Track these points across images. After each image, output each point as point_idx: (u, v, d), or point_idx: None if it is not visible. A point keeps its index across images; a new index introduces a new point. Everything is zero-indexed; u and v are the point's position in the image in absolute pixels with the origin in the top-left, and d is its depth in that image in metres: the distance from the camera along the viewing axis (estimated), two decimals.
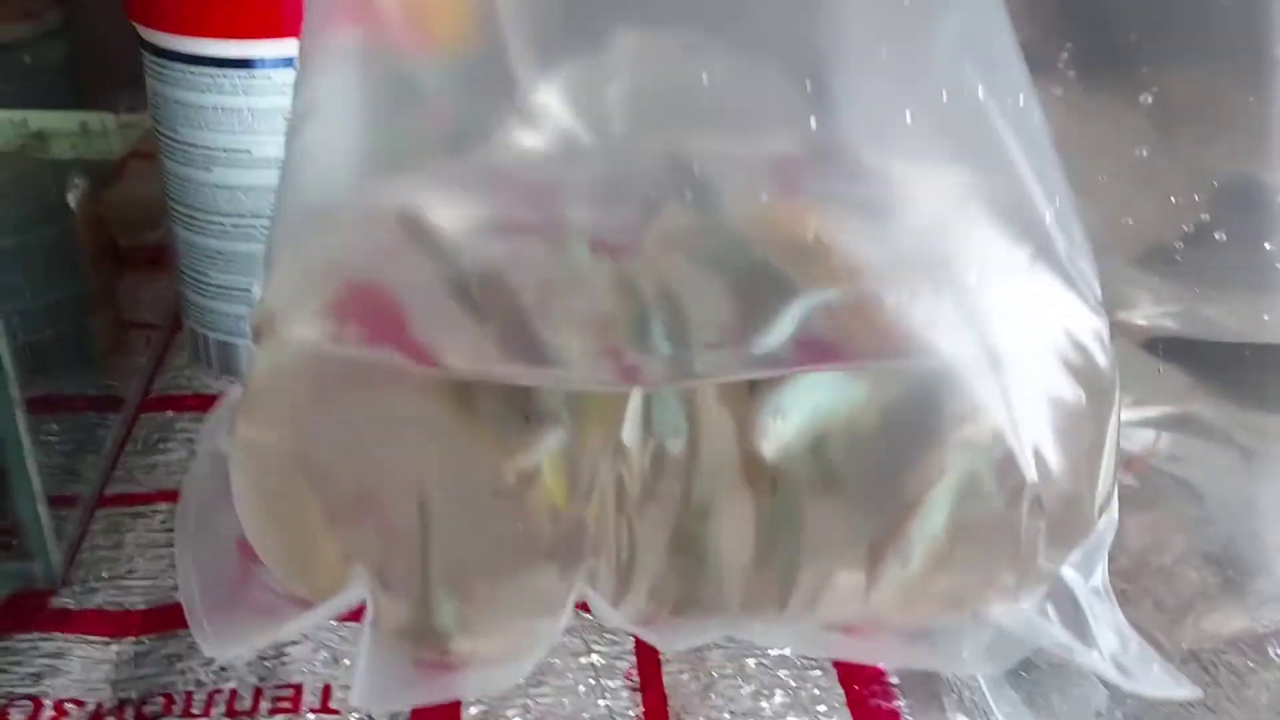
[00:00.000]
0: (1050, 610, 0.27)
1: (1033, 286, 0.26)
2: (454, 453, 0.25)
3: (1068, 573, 0.27)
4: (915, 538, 0.25)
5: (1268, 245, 0.33)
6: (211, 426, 0.29)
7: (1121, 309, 0.37)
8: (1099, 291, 0.28)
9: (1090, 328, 0.27)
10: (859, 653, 0.29)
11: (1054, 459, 0.26)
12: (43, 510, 0.32)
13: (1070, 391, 0.26)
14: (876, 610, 0.26)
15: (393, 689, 0.25)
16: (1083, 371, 0.27)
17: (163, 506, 0.36)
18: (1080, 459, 0.26)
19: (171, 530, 0.35)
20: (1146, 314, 0.38)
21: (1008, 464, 0.25)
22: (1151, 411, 0.39)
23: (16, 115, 0.38)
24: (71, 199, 0.41)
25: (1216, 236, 0.33)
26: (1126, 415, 0.39)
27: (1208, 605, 0.35)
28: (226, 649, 0.26)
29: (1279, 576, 0.35)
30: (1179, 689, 0.27)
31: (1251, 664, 0.34)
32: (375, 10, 0.28)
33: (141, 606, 0.33)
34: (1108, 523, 0.28)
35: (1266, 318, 0.34)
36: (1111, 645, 0.27)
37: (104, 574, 0.34)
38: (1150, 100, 0.35)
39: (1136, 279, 0.37)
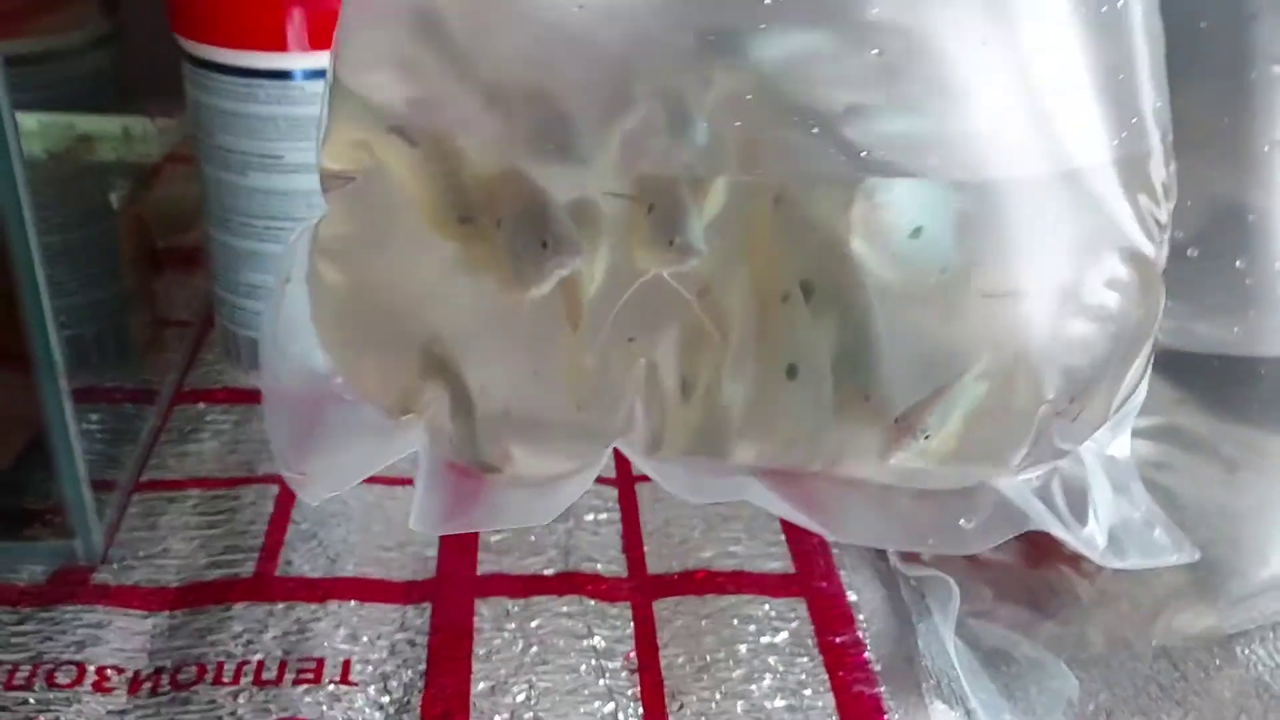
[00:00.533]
0: (1056, 485, 0.28)
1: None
2: (481, 294, 0.27)
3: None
4: (938, 417, 0.26)
5: (1238, 263, 0.34)
6: (288, 257, 0.30)
7: None
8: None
9: (1148, 226, 0.27)
10: (874, 519, 0.28)
11: (1080, 374, 0.26)
12: (85, 492, 0.34)
13: (1113, 304, 0.27)
14: (889, 472, 0.27)
15: (444, 514, 0.28)
16: (1133, 279, 0.27)
17: (194, 492, 0.38)
18: (1109, 374, 0.27)
19: (202, 514, 0.38)
20: None
21: (1030, 379, 0.26)
22: (1141, 422, 0.40)
23: (64, 119, 0.40)
24: (114, 199, 0.43)
25: (1189, 253, 0.35)
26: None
27: (1180, 605, 0.37)
28: (314, 488, 0.28)
29: (1250, 580, 0.37)
30: (1174, 554, 0.29)
31: (1218, 661, 0.36)
32: None
33: (175, 583, 0.35)
34: (1131, 405, 0.29)
35: (1236, 330, 0.36)
36: (1113, 515, 0.28)
37: (140, 553, 0.36)
38: None
39: None
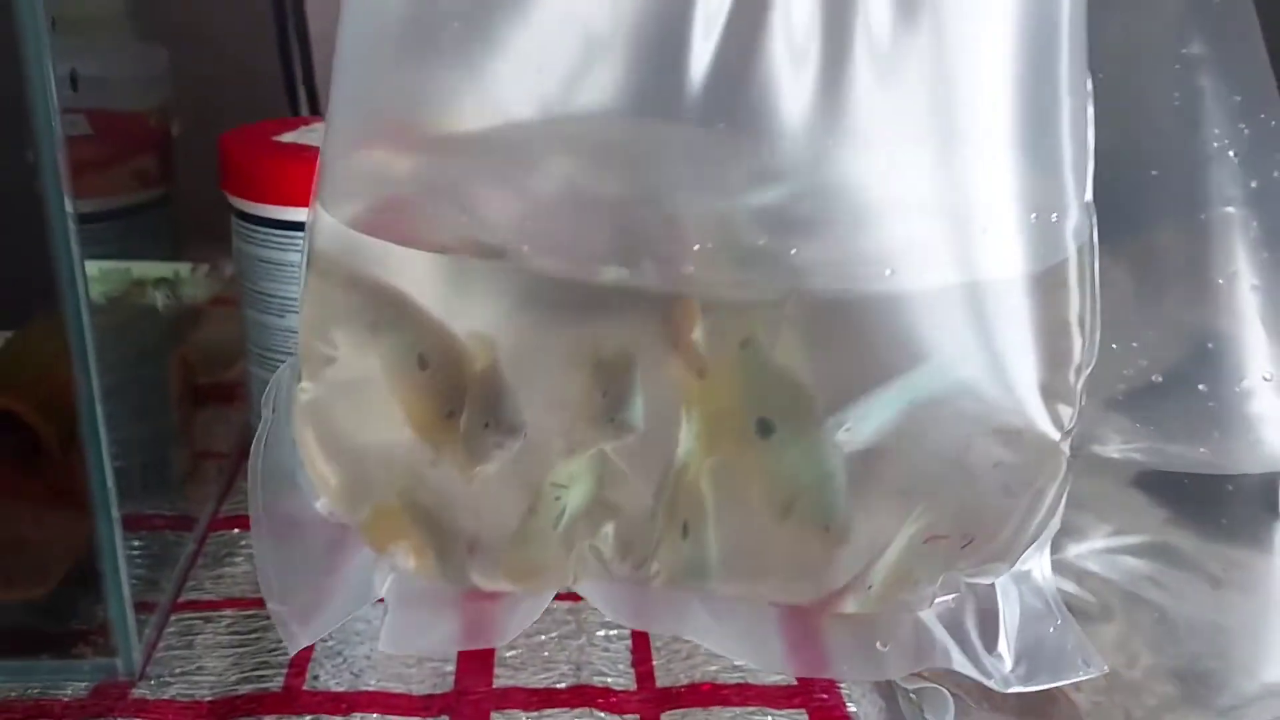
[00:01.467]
0: (970, 609, 0.30)
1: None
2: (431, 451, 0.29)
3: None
4: (877, 573, 0.29)
5: (1200, 387, 0.37)
6: (273, 389, 0.32)
7: (1096, 444, 0.41)
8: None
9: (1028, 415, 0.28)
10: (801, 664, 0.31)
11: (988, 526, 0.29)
12: (129, 614, 0.37)
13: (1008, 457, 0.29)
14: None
15: (411, 632, 0.30)
16: (1022, 446, 0.29)
17: (228, 612, 0.41)
18: (1012, 527, 0.30)
19: (235, 632, 0.40)
20: (1119, 449, 0.41)
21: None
22: (1132, 539, 0.42)
23: (122, 265, 0.44)
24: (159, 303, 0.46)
25: (1154, 379, 0.37)
26: (1110, 543, 0.43)
27: (1172, 716, 0.38)
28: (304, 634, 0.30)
29: (1238, 692, 0.38)
30: (1084, 671, 0.30)
31: None
32: None
33: (208, 698, 0.37)
34: (1049, 531, 0.31)
35: (1203, 450, 0.38)
36: (1027, 636, 0.30)
37: (176, 669, 0.38)
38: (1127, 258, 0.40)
39: (1108, 419, 0.41)
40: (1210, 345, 0.37)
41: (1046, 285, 0.28)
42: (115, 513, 0.36)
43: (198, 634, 0.40)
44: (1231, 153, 0.37)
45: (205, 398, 0.52)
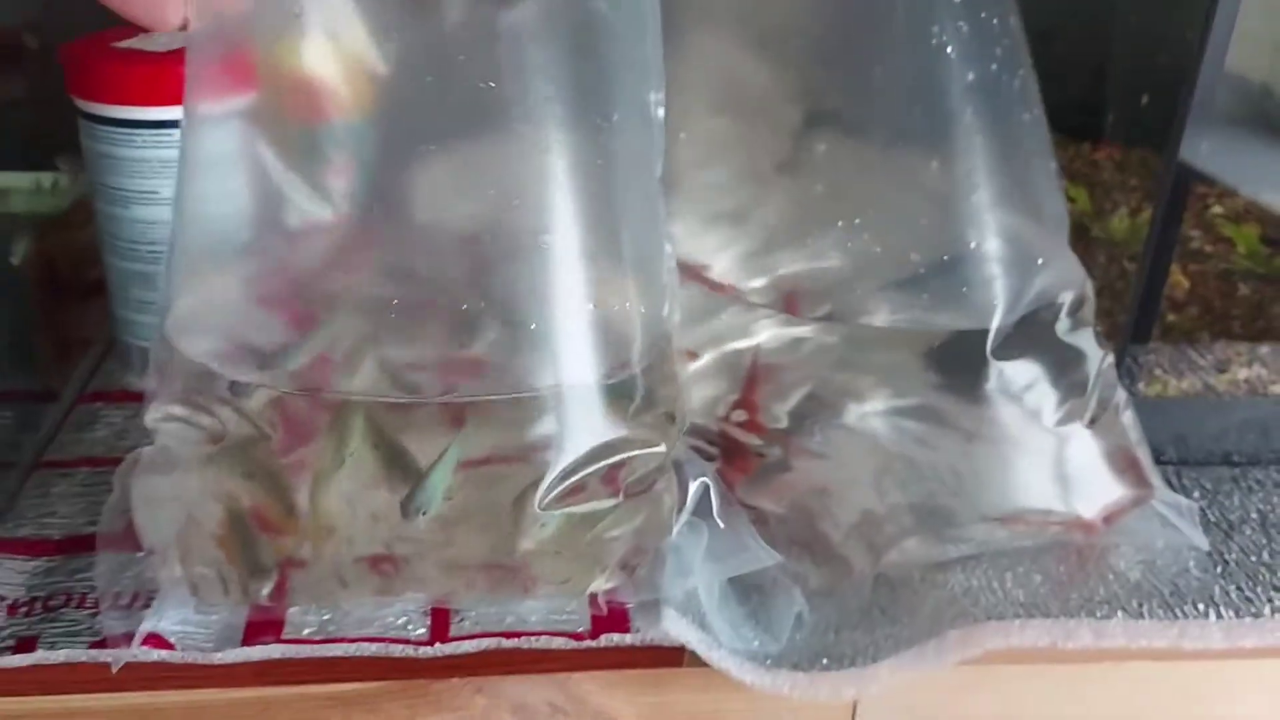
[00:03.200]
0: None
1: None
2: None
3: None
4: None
5: (914, 257, 0.42)
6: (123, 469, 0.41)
7: (866, 316, 0.47)
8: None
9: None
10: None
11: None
12: None
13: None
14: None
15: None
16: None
17: (84, 470, 0.46)
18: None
19: (86, 485, 0.45)
20: (886, 319, 0.47)
21: None
22: (906, 401, 0.48)
23: None
24: (15, 257, 0.51)
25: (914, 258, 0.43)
26: (888, 404, 0.49)
27: (903, 541, 0.44)
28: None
29: (961, 521, 0.44)
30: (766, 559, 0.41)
31: (925, 585, 0.43)
32: (264, 79, 0.38)
33: (58, 536, 0.42)
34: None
35: (915, 311, 0.44)
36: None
37: (30, 515, 0.43)
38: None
39: (878, 296, 0.47)
40: (923, 221, 0.43)
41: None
42: None
43: (54, 487, 0.45)
44: (949, 49, 0.42)
45: (72, 291, 0.57)
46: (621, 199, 0.40)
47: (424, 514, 0.37)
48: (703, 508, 0.41)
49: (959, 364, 0.46)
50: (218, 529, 0.38)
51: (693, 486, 0.41)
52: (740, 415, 0.48)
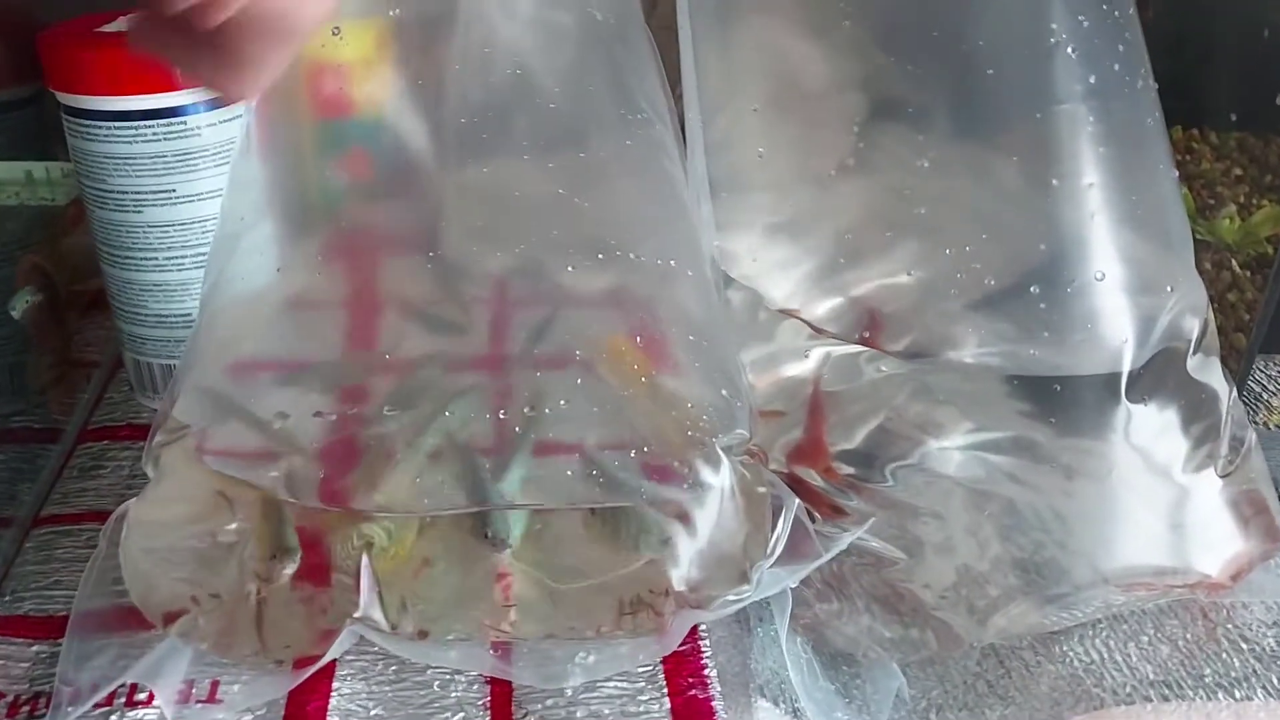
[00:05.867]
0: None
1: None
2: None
3: None
4: None
5: (1034, 289, 0.37)
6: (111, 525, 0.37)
7: (951, 350, 0.42)
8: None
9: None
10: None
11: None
12: None
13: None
14: None
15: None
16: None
17: (90, 525, 0.41)
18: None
19: (94, 546, 0.40)
20: (974, 353, 0.42)
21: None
22: (991, 435, 0.43)
23: None
24: (15, 310, 0.46)
25: (987, 283, 0.37)
26: (970, 439, 0.44)
27: (1010, 606, 0.39)
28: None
29: (1074, 580, 0.39)
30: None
31: (1040, 658, 0.38)
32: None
33: (63, 612, 0.37)
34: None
35: (1033, 352, 0.38)
36: None
37: (32, 585, 0.38)
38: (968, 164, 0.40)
39: (966, 323, 0.41)
40: (1043, 247, 0.38)
41: None
42: None
43: (56, 549, 0.40)
44: (1070, 48, 0.37)
45: (74, 306, 0.52)
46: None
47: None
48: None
49: (1046, 387, 0.41)
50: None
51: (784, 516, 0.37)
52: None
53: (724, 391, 0.38)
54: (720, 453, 0.37)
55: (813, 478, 0.42)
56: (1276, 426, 0.46)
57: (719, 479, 0.36)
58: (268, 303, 0.36)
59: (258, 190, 0.37)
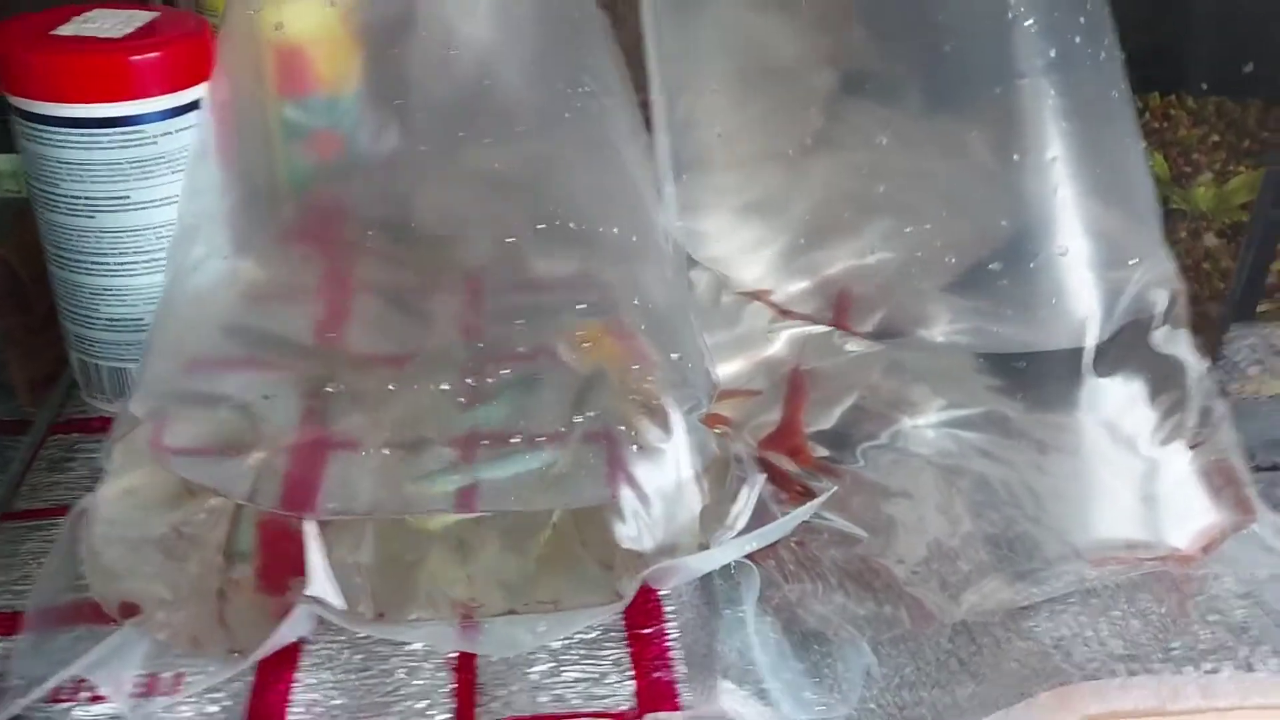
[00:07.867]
0: None
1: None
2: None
3: None
4: None
5: (992, 265, 0.37)
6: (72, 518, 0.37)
7: (923, 329, 0.42)
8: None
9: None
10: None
11: None
12: None
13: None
14: None
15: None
16: None
17: (59, 520, 0.41)
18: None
19: None
20: (944, 331, 0.42)
21: None
22: (964, 412, 0.43)
23: None
24: None
25: (947, 260, 0.37)
26: (943, 416, 0.44)
27: (982, 581, 0.39)
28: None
29: (1043, 554, 0.39)
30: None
31: (1009, 634, 0.38)
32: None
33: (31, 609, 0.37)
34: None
35: (996, 329, 0.38)
36: None
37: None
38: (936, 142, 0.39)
39: (936, 303, 0.41)
40: (1005, 223, 0.37)
41: None
42: None
43: (24, 543, 0.40)
44: (1029, 21, 0.37)
45: (46, 299, 0.52)
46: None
47: None
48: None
49: (1016, 363, 0.41)
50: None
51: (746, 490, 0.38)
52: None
53: (674, 355, 0.38)
54: (670, 411, 0.36)
55: (783, 462, 0.42)
56: (1253, 396, 0.46)
57: (670, 441, 0.36)
58: (222, 298, 0.36)
59: (214, 193, 0.37)
